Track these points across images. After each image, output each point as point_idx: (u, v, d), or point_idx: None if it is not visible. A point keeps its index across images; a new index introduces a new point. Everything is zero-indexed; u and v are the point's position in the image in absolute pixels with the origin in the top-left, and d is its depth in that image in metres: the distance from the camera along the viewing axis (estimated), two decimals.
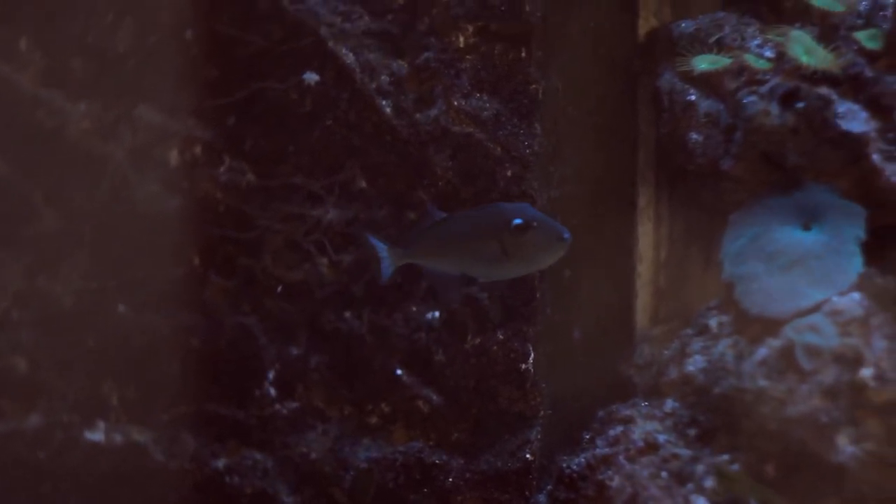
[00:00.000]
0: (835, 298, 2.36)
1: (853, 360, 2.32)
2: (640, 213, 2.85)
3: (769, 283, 2.43)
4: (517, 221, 2.17)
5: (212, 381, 2.66)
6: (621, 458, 2.43)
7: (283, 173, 2.60)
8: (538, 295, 2.52)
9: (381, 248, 2.29)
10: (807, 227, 2.49)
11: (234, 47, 2.60)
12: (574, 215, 2.63)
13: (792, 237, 2.48)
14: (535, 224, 2.16)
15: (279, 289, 2.60)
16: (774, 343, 2.37)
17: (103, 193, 2.67)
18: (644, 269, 2.85)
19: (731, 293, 2.49)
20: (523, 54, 2.50)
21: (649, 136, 2.81)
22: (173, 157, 2.64)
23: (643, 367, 2.68)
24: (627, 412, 2.54)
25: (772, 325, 2.41)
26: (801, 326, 2.35)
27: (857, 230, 2.44)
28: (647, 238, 2.86)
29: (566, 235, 2.15)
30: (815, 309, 2.37)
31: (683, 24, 2.72)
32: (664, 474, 2.40)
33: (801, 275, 2.42)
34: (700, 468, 2.40)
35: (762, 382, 2.36)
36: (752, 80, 2.55)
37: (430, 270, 2.32)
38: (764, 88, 2.52)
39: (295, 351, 2.61)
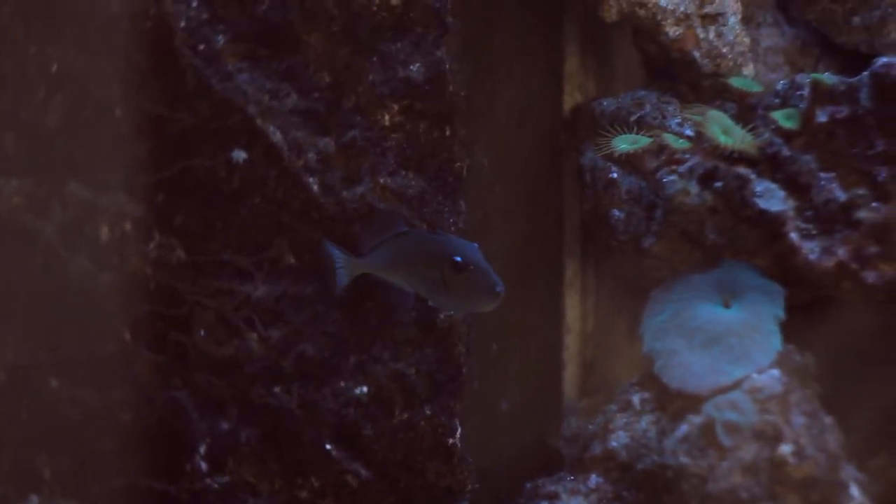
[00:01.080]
0: (754, 376, 2.39)
1: (772, 437, 2.35)
2: (568, 286, 2.88)
3: (689, 359, 2.46)
4: (456, 259, 2.19)
5: (143, 455, 2.67)
6: None
7: (213, 249, 2.61)
8: (465, 370, 2.54)
9: (338, 258, 2.31)
10: (727, 305, 2.52)
11: (163, 125, 2.60)
12: None
13: (712, 314, 2.52)
14: (471, 267, 2.18)
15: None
16: (695, 420, 2.40)
17: (35, 268, 2.66)
18: (571, 341, 2.88)
19: (652, 368, 2.50)
20: (448, 133, 2.52)
21: (575, 210, 2.85)
22: (104, 232, 2.65)
23: (570, 439, 2.72)
24: (553, 487, 2.57)
25: (693, 402, 2.43)
26: (721, 403, 2.38)
27: (776, 310, 2.47)
28: (574, 310, 2.90)
29: (498, 288, 2.17)
30: (735, 386, 2.39)
31: (605, 103, 2.76)
32: None
33: (721, 352, 2.45)
34: None
35: (683, 459, 2.39)
36: (672, 159, 2.59)
37: (385, 282, 2.33)
38: (683, 168, 2.56)
39: (225, 425, 2.63)
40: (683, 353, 2.45)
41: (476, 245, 2.32)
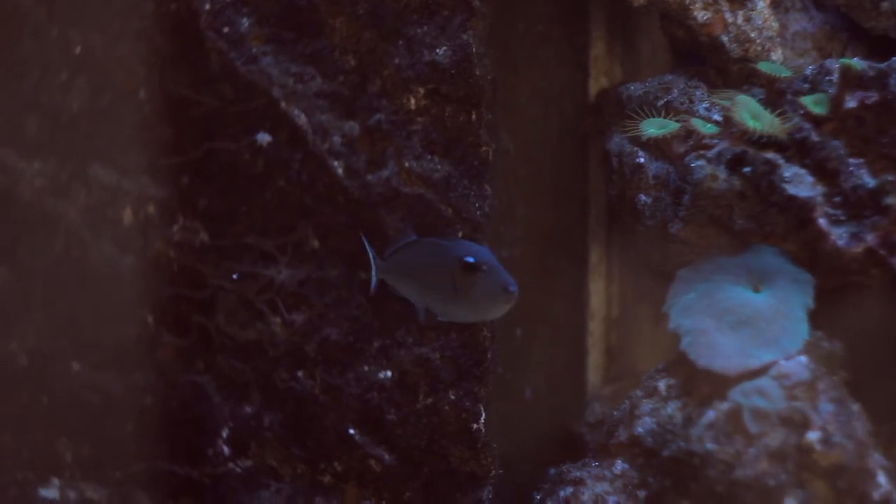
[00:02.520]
0: (782, 362, 2.38)
1: (800, 424, 2.33)
2: (592, 272, 2.87)
3: (718, 339, 2.45)
4: (468, 259, 2.17)
5: (165, 440, 2.67)
6: None
7: (236, 233, 2.60)
8: (489, 355, 2.53)
9: (372, 258, 2.29)
10: (756, 290, 2.51)
11: (188, 108, 2.60)
12: (526, 274, 2.64)
13: (742, 297, 2.50)
14: (483, 268, 2.16)
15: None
16: (722, 406, 2.38)
17: (57, 252, 2.66)
18: (595, 327, 2.87)
19: (678, 351, 2.48)
20: (474, 117, 2.51)
21: (600, 195, 2.84)
22: (127, 216, 2.64)
23: (594, 425, 2.71)
24: (577, 473, 2.56)
25: (719, 387, 2.42)
26: (749, 389, 2.37)
27: (805, 298, 2.46)
28: (598, 296, 2.89)
29: (512, 288, 2.15)
30: (763, 372, 2.38)
31: (632, 87, 2.74)
32: None
33: (750, 335, 2.44)
34: None
35: (710, 445, 2.37)
36: (700, 144, 2.57)
37: (398, 292, 2.32)
38: (711, 153, 2.54)
39: (248, 410, 2.62)
40: (712, 333, 2.44)
41: (486, 248, 2.30)
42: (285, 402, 2.61)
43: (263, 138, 2.57)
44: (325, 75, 2.55)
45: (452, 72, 2.50)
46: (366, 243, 2.39)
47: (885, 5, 2.73)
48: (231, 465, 2.63)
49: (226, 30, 2.56)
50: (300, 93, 2.55)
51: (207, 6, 2.56)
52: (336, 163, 2.54)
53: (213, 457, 2.64)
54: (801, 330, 2.44)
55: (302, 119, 2.54)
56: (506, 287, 2.19)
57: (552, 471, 2.59)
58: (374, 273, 2.39)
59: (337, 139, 2.53)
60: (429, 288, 2.29)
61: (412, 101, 2.53)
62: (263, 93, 2.56)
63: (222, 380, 2.63)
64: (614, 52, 2.98)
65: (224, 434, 2.63)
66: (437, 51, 2.51)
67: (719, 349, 2.43)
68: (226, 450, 2.63)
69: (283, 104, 2.55)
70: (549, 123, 2.79)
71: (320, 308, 2.58)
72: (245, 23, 2.56)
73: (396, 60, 2.52)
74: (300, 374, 2.59)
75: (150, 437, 2.67)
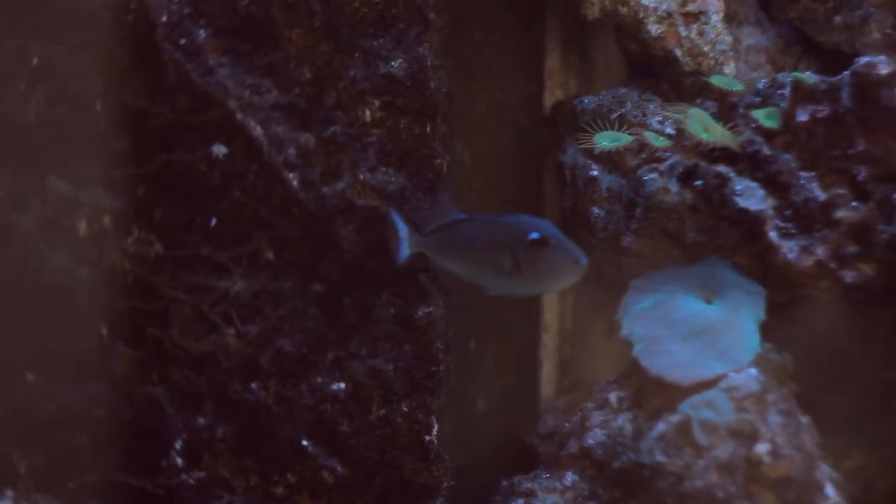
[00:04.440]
0: (731, 374, 2.38)
1: (749, 436, 2.33)
2: None
3: (671, 348, 2.45)
4: (534, 235, 2.15)
5: (120, 451, 2.66)
6: None
7: (191, 244, 2.60)
8: (442, 367, 2.53)
9: (403, 230, 2.29)
10: (708, 301, 2.51)
11: (144, 119, 2.60)
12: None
13: (694, 308, 2.51)
14: (552, 242, 2.15)
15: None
16: (672, 418, 2.39)
17: (12, 263, 2.66)
18: (549, 340, 2.88)
19: (630, 359, 2.49)
20: (428, 129, 2.52)
21: (555, 207, 2.84)
22: (82, 227, 2.64)
23: (547, 437, 2.71)
24: (528, 485, 2.56)
25: (670, 400, 2.42)
26: (698, 402, 2.37)
27: (757, 310, 2.47)
28: (552, 309, 2.89)
29: (583, 260, 2.14)
30: (712, 384, 2.38)
31: (586, 100, 2.76)
32: None
33: (703, 346, 2.44)
34: None
35: (660, 457, 2.38)
36: (653, 157, 2.58)
37: (440, 268, 2.29)
38: (664, 166, 2.56)
39: (202, 421, 2.62)
40: (665, 342, 2.44)
41: (547, 221, 2.29)
42: (239, 413, 2.61)
43: (219, 150, 2.57)
44: (281, 87, 2.56)
45: (408, 84, 2.51)
46: (396, 216, 2.38)
47: (837, 19, 2.75)
48: (184, 476, 2.63)
49: (182, 41, 2.57)
50: (256, 104, 2.55)
51: (164, 18, 2.57)
52: (291, 175, 2.54)
53: (167, 468, 2.64)
54: (752, 342, 2.44)
55: (258, 131, 2.54)
56: (577, 260, 2.18)
57: (504, 482, 2.59)
58: (406, 245, 2.36)
59: (292, 151, 2.53)
60: (483, 264, 2.27)
61: (367, 113, 2.53)
62: (219, 104, 2.57)
63: (176, 391, 2.63)
64: (569, 64, 2.99)
65: (178, 445, 2.63)
66: (393, 63, 2.52)
67: (672, 358, 2.44)
68: (179, 461, 2.63)
69: (239, 116, 2.55)
70: (504, 135, 2.80)
71: (274, 320, 2.58)
72: (202, 34, 2.57)
73: (352, 73, 2.53)
74: (254, 385, 2.59)
75: (104, 449, 2.67)
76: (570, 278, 2.22)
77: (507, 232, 2.23)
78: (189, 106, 2.59)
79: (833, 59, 2.74)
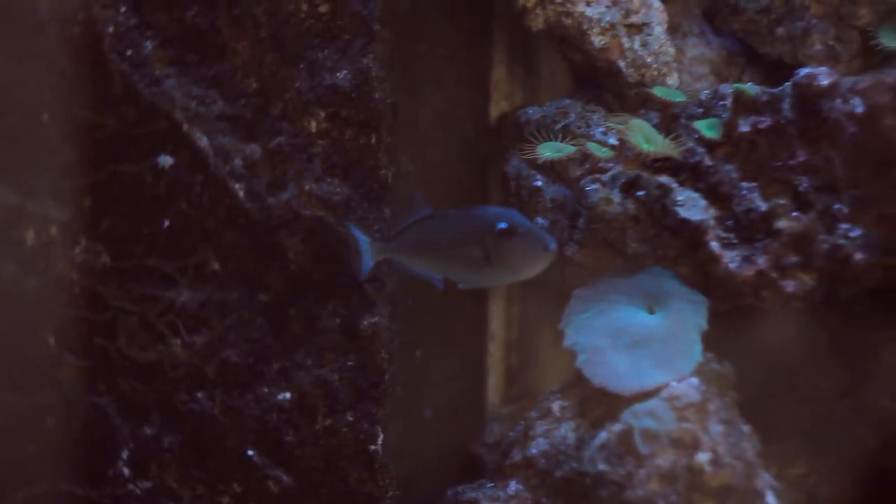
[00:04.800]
0: (673, 384, 2.39)
1: (690, 445, 2.34)
2: (492, 294, 2.89)
3: (613, 358, 2.46)
4: (501, 225, 2.15)
5: (67, 461, 2.66)
6: None
7: (138, 255, 2.61)
8: (387, 377, 2.54)
9: (363, 242, 2.28)
10: (651, 311, 2.52)
11: (91, 130, 2.60)
12: (426, 296, 2.65)
13: (637, 318, 2.52)
14: (519, 230, 2.14)
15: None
16: (614, 428, 2.40)
17: None
18: (495, 349, 2.89)
19: (575, 370, 2.49)
20: (373, 140, 2.53)
21: None
22: (30, 237, 2.65)
23: (493, 446, 2.72)
24: (473, 494, 2.57)
25: (612, 409, 2.43)
26: (640, 411, 2.38)
27: (699, 319, 2.48)
28: (498, 318, 2.90)
29: (552, 245, 2.13)
30: (654, 394, 2.39)
31: (530, 111, 2.76)
32: None
33: (645, 356, 2.45)
34: None
35: (602, 466, 2.39)
36: (595, 167, 2.59)
37: (409, 269, 2.30)
38: (606, 176, 2.56)
39: (149, 431, 2.63)
40: (608, 352, 2.45)
41: (514, 210, 2.29)
42: (185, 423, 2.62)
43: (165, 161, 2.58)
44: (227, 98, 2.57)
45: (352, 95, 2.52)
46: (353, 229, 2.38)
47: (780, 31, 2.76)
48: (131, 486, 2.64)
49: (129, 52, 2.58)
50: (202, 115, 2.56)
51: (111, 29, 2.58)
52: (237, 185, 2.55)
53: (114, 478, 2.64)
54: (694, 351, 2.45)
55: (204, 142, 2.55)
56: (546, 246, 2.18)
57: (449, 492, 2.60)
58: (369, 257, 2.37)
59: (238, 162, 2.54)
60: (453, 260, 2.26)
61: (313, 124, 2.54)
62: (166, 115, 2.58)
63: (123, 401, 2.64)
64: (515, 75, 3.00)
65: (124, 455, 2.64)
66: (338, 74, 2.53)
67: (614, 369, 2.45)
68: (126, 471, 2.64)
69: (185, 127, 2.56)
70: (450, 146, 2.81)
71: (220, 330, 2.59)
72: (148, 45, 2.58)
73: (298, 84, 2.54)
74: (200, 395, 2.60)
75: (51, 458, 2.67)
76: (540, 265, 2.23)
77: (474, 224, 2.23)
78: (135, 117, 2.60)
79: (777, 71, 2.75)
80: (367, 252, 2.34)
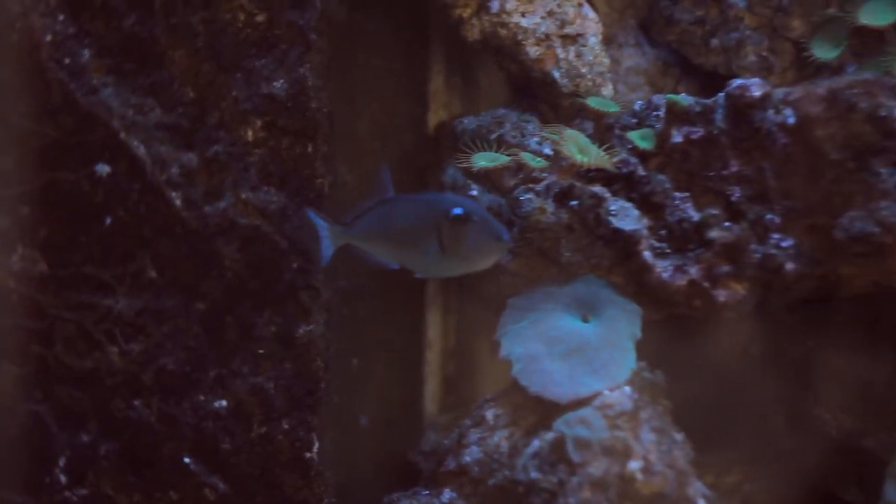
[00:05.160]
0: (605, 392, 2.40)
1: (622, 453, 2.35)
2: (429, 303, 2.90)
3: (549, 367, 2.47)
4: (456, 211, 2.15)
5: (3, 468, 2.66)
6: None
7: (75, 263, 2.61)
8: (322, 385, 2.55)
9: (322, 227, 2.26)
10: (585, 319, 2.54)
11: (28, 138, 2.60)
12: (363, 306, 2.67)
13: (572, 326, 2.53)
14: (474, 218, 2.13)
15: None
16: (546, 436, 2.41)
17: None
18: (433, 358, 2.90)
19: (510, 381, 2.51)
20: (310, 149, 2.54)
21: None
22: None
23: (429, 454, 2.73)
24: (407, 502, 2.59)
25: (545, 417, 2.44)
26: (572, 420, 2.39)
27: (633, 328, 2.49)
28: (435, 327, 2.91)
29: (505, 236, 2.12)
30: (586, 402, 2.40)
31: (466, 121, 2.78)
32: None
33: (580, 364, 2.47)
34: None
35: (534, 474, 2.40)
36: (530, 177, 2.60)
37: (367, 256, 2.30)
38: (540, 186, 2.58)
39: (85, 438, 2.63)
40: (544, 360, 2.46)
41: (473, 200, 2.28)
42: (122, 430, 2.62)
43: (103, 169, 2.58)
44: (164, 107, 2.57)
45: (289, 104, 2.53)
46: (312, 215, 2.38)
47: (714, 42, 2.78)
48: (68, 493, 2.64)
49: (67, 61, 2.58)
50: (140, 124, 2.57)
51: (49, 37, 2.58)
52: (174, 194, 2.56)
53: (50, 485, 2.64)
54: (628, 360, 2.47)
55: (141, 150, 2.56)
56: (498, 236, 2.17)
57: (385, 499, 2.61)
58: (329, 243, 2.36)
59: (175, 170, 2.55)
60: (408, 246, 2.25)
61: (250, 133, 2.55)
62: (103, 124, 2.58)
63: (60, 409, 2.64)
64: (453, 85, 3.02)
65: (61, 463, 2.64)
66: (275, 84, 2.54)
67: (551, 377, 2.46)
68: (63, 478, 2.64)
69: (122, 135, 2.57)
70: (388, 155, 2.82)
71: (157, 338, 2.60)
72: (86, 54, 2.58)
73: (234, 93, 2.55)
74: (137, 403, 2.60)
75: None
76: (493, 255, 2.22)
77: (430, 211, 2.22)
78: (73, 125, 2.60)
79: (712, 81, 2.77)
80: (327, 238, 2.33)
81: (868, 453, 2.58)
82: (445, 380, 2.94)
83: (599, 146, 2.54)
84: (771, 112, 2.45)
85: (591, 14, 2.72)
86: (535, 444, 2.42)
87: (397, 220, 2.25)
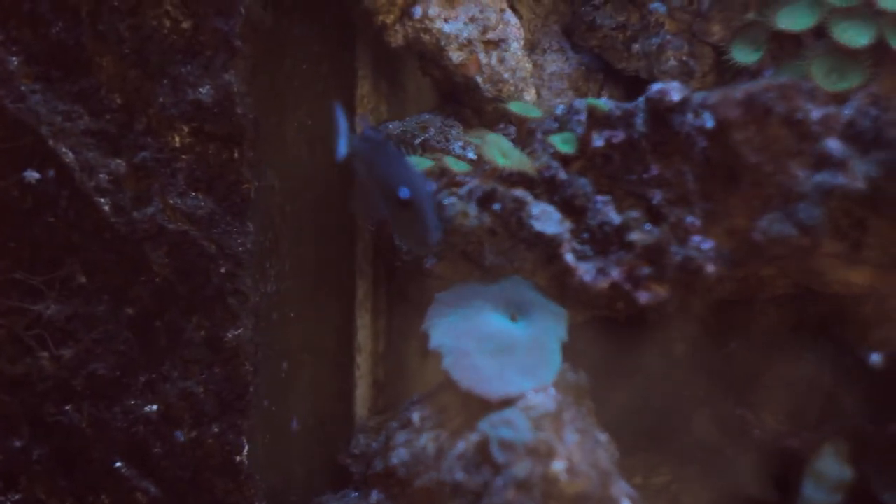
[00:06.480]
0: (529, 394, 2.43)
1: (545, 454, 2.38)
2: (359, 306, 2.92)
3: (480, 363, 2.49)
4: (402, 193, 2.18)
5: None
6: None
7: (4, 268, 2.62)
8: (251, 389, 2.57)
9: (343, 126, 2.37)
10: (513, 319, 2.56)
11: None
12: (292, 309, 2.69)
13: (501, 325, 2.56)
14: (413, 205, 2.17)
15: None
16: (472, 437, 2.44)
17: None
18: (363, 361, 2.92)
19: (440, 367, 2.53)
20: (236, 154, 2.56)
21: (365, 231, 2.88)
22: None
23: (359, 457, 2.76)
24: None
25: (470, 418, 2.46)
26: (496, 421, 2.42)
27: (559, 330, 2.52)
28: (365, 330, 2.94)
29: (432, 237, 2.16)
30: (510, 403, 2.43)
31: (391, 125, 2.80)
32: None
33: (510, 362, 2.49)
34: None
35: (459, 475, 2.42)
36: (453, 181, 2.63)
37: (360, 175, 2.37)
38: (463, 190, 2.60)
39: (17, 444, 2.64)
40: (475, 356, 2.49)
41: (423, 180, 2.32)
42: (54, 435, 2.63)
43: (31, 175, 2.59)
44: (92, 113, 2.58)
45: (215, 110, 2.55)
46: (339, 111, 2.40)
47: (636, 47, 2.81)
48: (2, 498, 2.65)
49: None
50: (68, 130, 2.57)
51: None
52: (102, 200, 2.57)
53: None
54: (555, 361, 2.50)
55: (70, 156, 2.56)
56: (424, 233, 2.22)
57: (314, 501, 2.63)
58: (344, 143, 2.44)
59: (103, 176, 2.56)
60: (381, 193, 2.31)
61: (177, 139, 2.56)
62: (32, 130, 2.58)
63: None
64: (380, 90, 3.04)
65: None
66: (201, 90, 2.55)
67: (481, 373, 2.49)
68: None
69: (51, 142, 2.57)
70: (315, 160, 2.84)
71: (87, 343, 2.61)
72: (14, 61, 2.58)
73: (161, 99, 2.56)
74: (68, 408, 2.62)
75: None
76: (420, 246, 2.26)
77: (394, 177, 2.26)
78: (2, 132, 2.61)
79: (634, 86, 2.80)
80: (345, 138, 2.40)
81: (791, 453, 2.61)
82: (375, 383, 2.97)
83: (522, 150, 2.55)
84: (690, 116, 2.48)
85: (514, 20, 2.75)
86: (461, 445, 2.45)
87: (379, 167, 2.30)
